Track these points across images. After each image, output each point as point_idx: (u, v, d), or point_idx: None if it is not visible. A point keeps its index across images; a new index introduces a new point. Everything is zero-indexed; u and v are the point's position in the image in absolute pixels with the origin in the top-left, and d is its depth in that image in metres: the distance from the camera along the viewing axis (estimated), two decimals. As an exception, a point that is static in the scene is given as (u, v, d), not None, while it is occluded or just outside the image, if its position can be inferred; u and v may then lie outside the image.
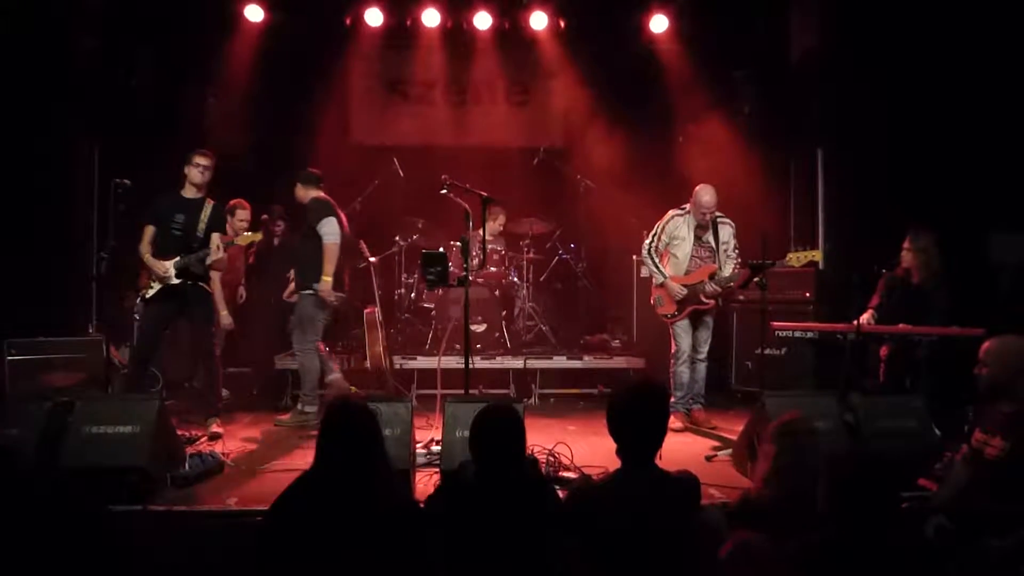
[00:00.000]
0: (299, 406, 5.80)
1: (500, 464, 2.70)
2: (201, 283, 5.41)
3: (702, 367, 5.88)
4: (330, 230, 5.61)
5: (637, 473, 2.70)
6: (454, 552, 2.57)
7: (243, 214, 6.57)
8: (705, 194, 5.63)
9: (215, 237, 5.35)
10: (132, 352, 5.40)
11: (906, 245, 5.47)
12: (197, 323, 5.46)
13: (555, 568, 2.54)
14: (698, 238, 5.76)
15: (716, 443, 5.29)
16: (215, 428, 5.34)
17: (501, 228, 7.60)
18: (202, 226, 5.33)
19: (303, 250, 5.80)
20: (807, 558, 2.14)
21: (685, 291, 5.68)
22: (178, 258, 5.26)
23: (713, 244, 5.76)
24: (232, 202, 6.46)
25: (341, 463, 2.60)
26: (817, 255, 5.49)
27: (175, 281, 5.27)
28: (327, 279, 5.58)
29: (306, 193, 5.86)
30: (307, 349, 5.74)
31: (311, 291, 5.65)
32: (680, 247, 5.76)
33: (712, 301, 5.71)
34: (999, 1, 5.88)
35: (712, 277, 5.64)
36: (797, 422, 3.25)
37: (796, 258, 5.39)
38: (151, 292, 5.33)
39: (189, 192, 5.40)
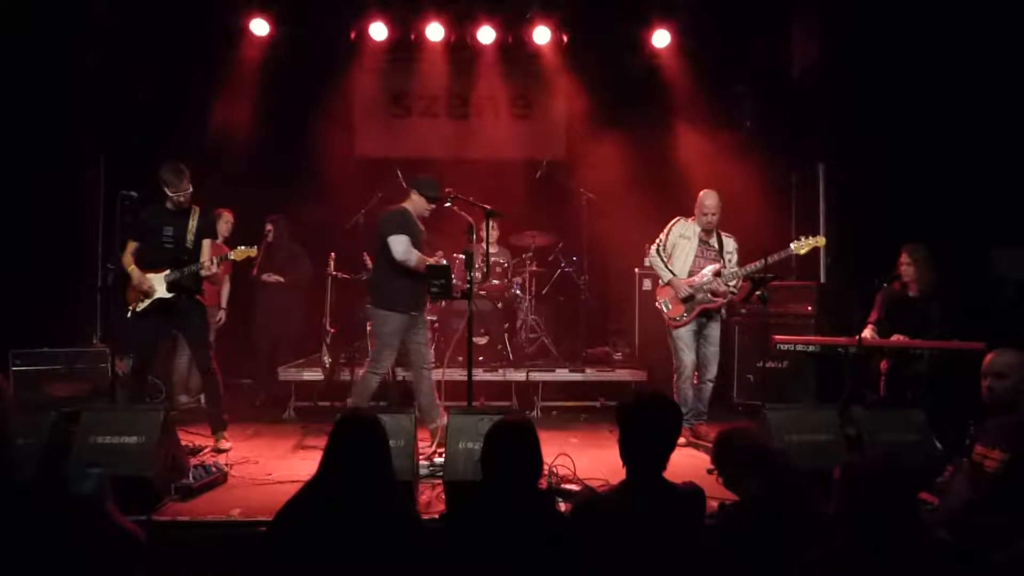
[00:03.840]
0: None
1: (513, 477, 2.70)
2: (196, 295, 5.34)
3: (708, 388, 5.88)
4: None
5: (644, 484, 2.71)
6: (460, 563, 2.58)
7: (228, 216, 6.71)
8: (708, 197, 5.74)
9: (206, 244, 5.33)
10: (131, 366, 5.38)
11: (903, 258, 5.50)
12: (192, 338, 5.40)
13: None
14: (703, 242, 5.82)
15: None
16: (223, 444, 5.30)
17: (497, 234, 7.62)
18: (191, 236, 5.24)
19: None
20: (829, 567, 2.15)
21: (691, 289, 5.71)
22: (168, 271, 5.16)
23: (717, 248, 5.82)
24: (215, 211, 6.50)
25: (347, 472, 2.61)
26: (820, 241, 5.56)
27: (167, 296, 5.18)
28: None
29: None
30: None
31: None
32: (685, 246, 5.82)
33: (720, 299, 5.73)
34: (999, 16, 5.92)
35: (719, 275, 5.68)
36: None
37: (799, 246, 5.48)
38: (143, 305, 5.18)
39: (172, 204, 5.23)
